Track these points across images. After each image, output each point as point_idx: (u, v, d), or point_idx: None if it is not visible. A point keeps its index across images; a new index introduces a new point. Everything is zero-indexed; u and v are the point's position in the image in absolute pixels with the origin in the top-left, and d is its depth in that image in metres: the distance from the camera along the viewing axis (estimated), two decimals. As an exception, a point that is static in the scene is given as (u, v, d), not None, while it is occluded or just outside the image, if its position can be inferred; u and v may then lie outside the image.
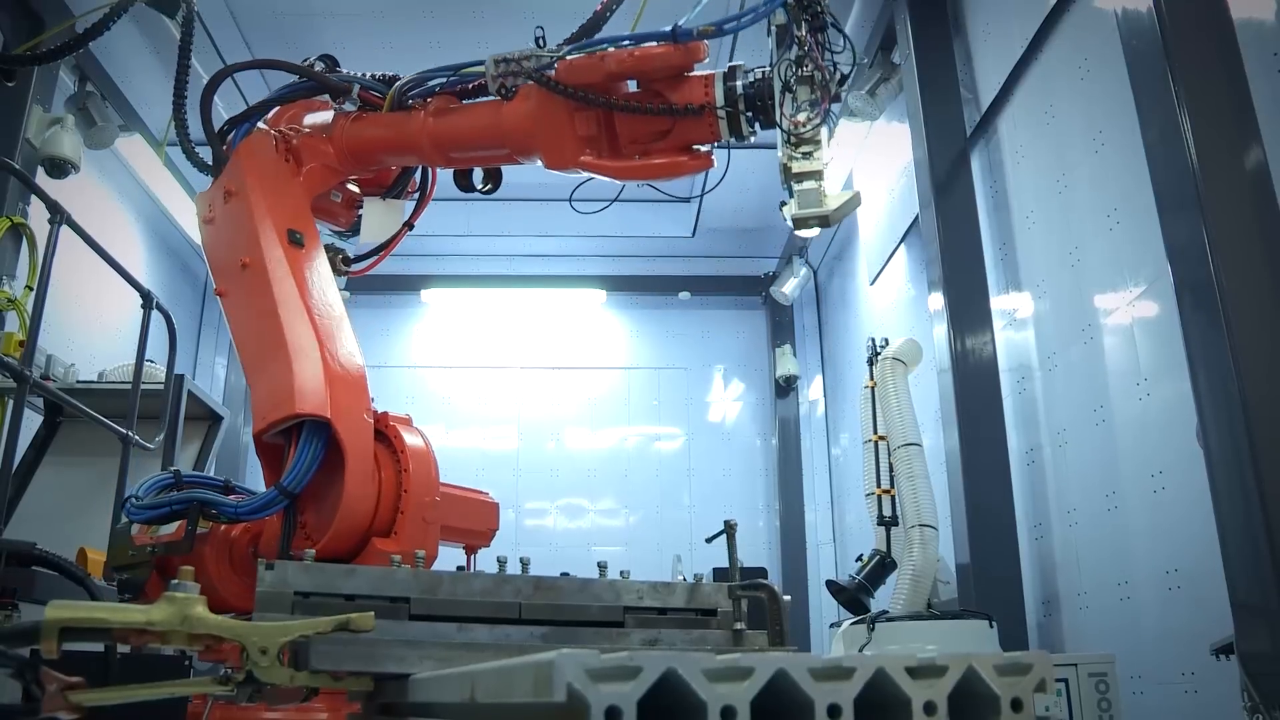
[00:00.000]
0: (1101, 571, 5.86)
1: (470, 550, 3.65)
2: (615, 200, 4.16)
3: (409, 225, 4.25)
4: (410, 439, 3.27)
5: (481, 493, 3.74)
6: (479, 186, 4.08)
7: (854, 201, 3.33)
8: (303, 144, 3.79)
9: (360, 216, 4.22)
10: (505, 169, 4.05)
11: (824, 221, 3.29)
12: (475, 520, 3.62)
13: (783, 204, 3.38)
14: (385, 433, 3.29)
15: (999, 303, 7.21)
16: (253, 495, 3.14)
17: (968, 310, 7.17)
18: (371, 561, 2.92)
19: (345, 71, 3.95)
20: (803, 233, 3.43)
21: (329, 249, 4.12)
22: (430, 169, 4.24)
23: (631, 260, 13.13)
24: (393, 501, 3.14)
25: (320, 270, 3.54)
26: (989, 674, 1.38)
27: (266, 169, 3.65)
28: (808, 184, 3.26)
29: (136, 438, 4.98)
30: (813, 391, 13.07)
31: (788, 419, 12.99)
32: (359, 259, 4.22)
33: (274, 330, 3.24)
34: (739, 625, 2.54)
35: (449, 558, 3.52)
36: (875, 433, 6.68)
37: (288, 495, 3.00)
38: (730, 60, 3.47)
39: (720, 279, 13.33)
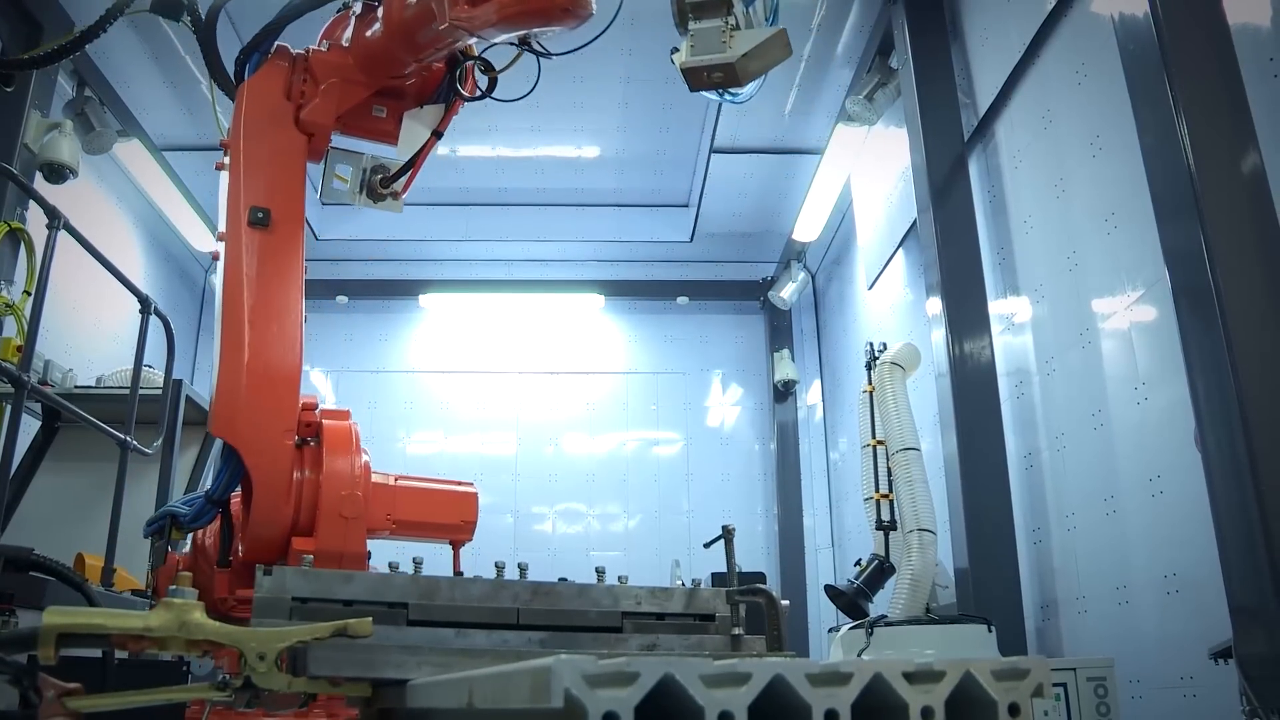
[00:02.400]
0: (1100, 575, 5.86)
1: (454, 546, 3.59)
2: (533, 86, 3.57)
3: (437, 134, 3.73)
4: (330, 430, 3.16)
5: (459, 484, 3.64)
6: (465, 91, 3.62)
7: (775, 46, 2.46)
8: (315, 60, 3.46)
9: None
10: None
11: (730, 75, 2.46)
12: (443, 513, 3.52)
13: (673, 51, 2.59)
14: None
15: (997, 307, 7.22)
16: None
17: (966, 315, 7.18)
18: (292, 562, 2.85)
19: None
20: (710, 95, 2.55)
21: (376, 169, 3.72)
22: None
23: (630, 265, 13.15)
24: (314, 499, 3.06)
25: (279, 258, 3.19)
26: (986, 679, 1.38)
27: (260, 118, 3.31)
28: (707, 23, 2.44)
29: (134, 443, 4.97)
30: (811, 396, 13.07)
31: (786, 424, 12.98)
32: (394, 178, 3.76)
33: (221, 326, 3.11)
34: (737, 630, 2.54)
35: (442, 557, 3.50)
36: (873, 437, 6.67)
37: (214, 504, 3.05)
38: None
39: (718, 284, 13.34)
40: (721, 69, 2.39)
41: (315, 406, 3.21)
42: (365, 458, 3.30)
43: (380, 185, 3.66)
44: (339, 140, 3.65)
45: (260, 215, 3.13)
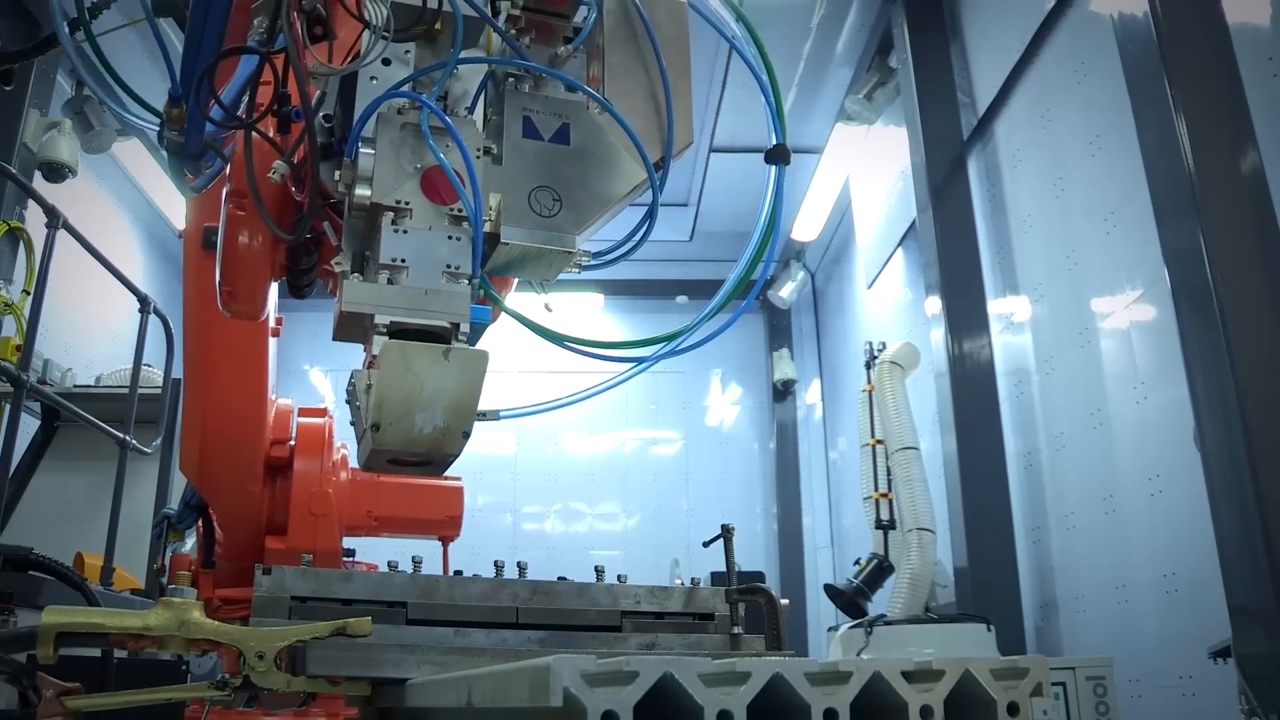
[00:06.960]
0: (1099, 575, 5.86)
1: (443, 542, 3.57)
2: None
3: None
4: (301, 430, 3.12)
5: (446, 478, 3.60)
6: None
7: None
8: None
9: None
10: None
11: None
12: (427, 508, 3.50)
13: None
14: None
15: (996, 306, 7.21)
16: None
17: (965, 314, 7.18)
18: (270, 560, 2.84)
19: None
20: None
21: None
22: None
23: (629, 264, 12.95)
24: (286, 498, 3.08)
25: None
26: (985, 678, 1.38)
27: None
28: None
29: (134, 442, 4.97)
30: (810, 395, 13.06)
31: (785, 423, 12.98)
32: None
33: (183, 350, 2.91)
34: (736, 630, 2.54)
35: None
36: (873, 436, 6.67)
37: (194, 510, 3.12)
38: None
39: (718, 283, 13.19)
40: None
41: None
42: (343, 453, 3.29)
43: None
44: None
45: (214, 239, 2.49)
